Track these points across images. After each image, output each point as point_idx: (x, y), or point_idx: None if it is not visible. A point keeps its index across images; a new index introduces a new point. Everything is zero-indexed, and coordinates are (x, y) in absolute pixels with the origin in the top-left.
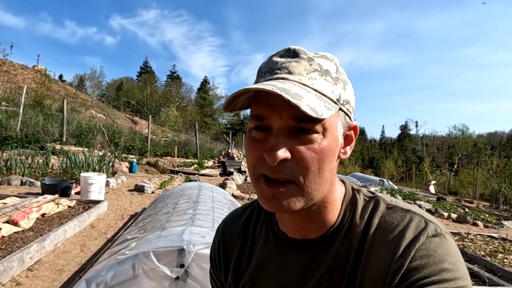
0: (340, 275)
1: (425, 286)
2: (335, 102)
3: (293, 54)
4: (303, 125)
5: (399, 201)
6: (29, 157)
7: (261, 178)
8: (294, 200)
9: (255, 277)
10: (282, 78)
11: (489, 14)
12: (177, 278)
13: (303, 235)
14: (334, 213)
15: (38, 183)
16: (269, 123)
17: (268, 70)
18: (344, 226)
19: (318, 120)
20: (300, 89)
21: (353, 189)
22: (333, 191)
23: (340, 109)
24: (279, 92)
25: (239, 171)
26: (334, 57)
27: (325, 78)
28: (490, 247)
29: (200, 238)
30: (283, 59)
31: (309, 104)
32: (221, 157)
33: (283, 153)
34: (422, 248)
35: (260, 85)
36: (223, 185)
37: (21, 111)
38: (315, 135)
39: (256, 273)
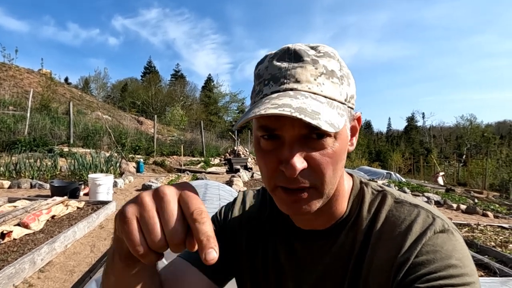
0: (344, 267)
1: (431, 281)
2: (344, 103)
3: (294, 55)
4: (316, 132)
5: (407, 196)
6: (38, 160)
7: (278, 188)
8: (314, 203)
9: (265, 268)
10: (291, 89)
11: (498, 0)
12: None
13: (311, 227)
14: (342, 205)
15: (48, 186)
16: (280, 133)
17: (271, 78)
18: (351, 218)
19: None
20: (314, 102)
21: (361, 182)
22: (342, 183)
23: (348, 106)
24: (298, 115)
25: (246, 168)
26: (335, 51)
27: (332, 80)
28: (501, 237)
29: None
30: (285, 64)
31: (327, 120)
32: (227, 154)
33: (300, 164)
34: (429, 244)
35: (277, 110)
36: (229, 183)
37: (28, 115)
38: (327, 140)
39: (265, 264)
